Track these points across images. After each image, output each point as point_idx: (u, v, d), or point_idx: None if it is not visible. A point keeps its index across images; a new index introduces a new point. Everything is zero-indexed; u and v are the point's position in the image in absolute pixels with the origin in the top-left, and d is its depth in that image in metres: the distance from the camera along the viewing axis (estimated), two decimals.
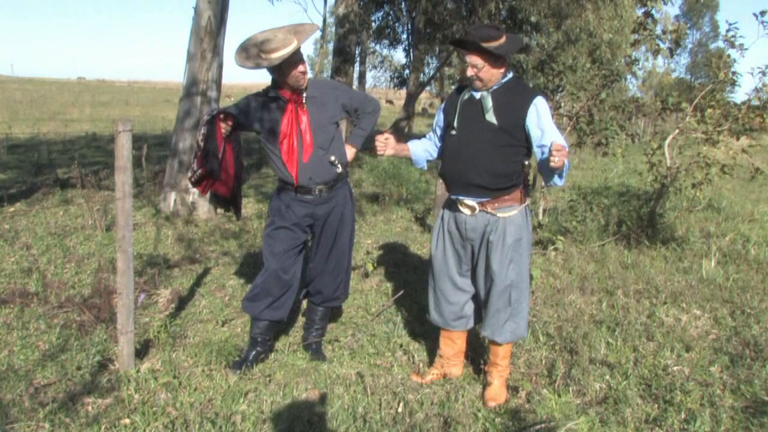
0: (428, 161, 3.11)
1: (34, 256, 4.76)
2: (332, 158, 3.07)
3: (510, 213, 2.75)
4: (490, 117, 2.69)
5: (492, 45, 2.59)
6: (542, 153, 2.67)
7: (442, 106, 2.98)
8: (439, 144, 3.01)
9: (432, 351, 3.40)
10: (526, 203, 2.84)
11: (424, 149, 3.05)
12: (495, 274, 2.77)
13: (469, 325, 3.03)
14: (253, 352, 3.22)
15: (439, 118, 2.97)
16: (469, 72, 2.67)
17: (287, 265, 3.12)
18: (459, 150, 2.77)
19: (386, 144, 2.83)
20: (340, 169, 3.10)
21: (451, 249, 2.90)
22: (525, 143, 2.72)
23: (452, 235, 2.89)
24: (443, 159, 2.89)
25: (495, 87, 2.71)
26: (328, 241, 3.19)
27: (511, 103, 2.67)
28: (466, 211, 2.78)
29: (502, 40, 2.63)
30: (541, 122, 2.65)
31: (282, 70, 2.86)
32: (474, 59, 2.63)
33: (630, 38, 11.40)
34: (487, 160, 2.69)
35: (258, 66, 2.84)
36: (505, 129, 2.67)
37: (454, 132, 2.79)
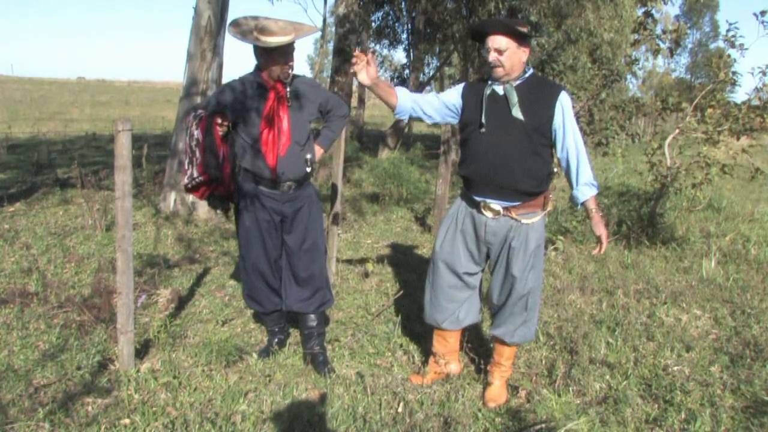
0: (411, 117, 2.87)
1: (34, 256, 4.75)
2: (308, 156, 3.05)
3: (533, 219, 2.70)
4: (517, 112, 2.60)
5: (516, 27, 2.56)
6: (562, 152, 2.65)
7: (461, 90, 2.81)
8: (443, 110, 2.83)
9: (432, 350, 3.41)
10: (548, 209, 2.78)
11: (413, 101, 2.80)
12: (516, 281, 2.72)
13: (461, 324, 2.99)
14: (275, 340, 3.40)
15: (456, 100, 2.80)
16: (492, 57, 2.57)
17: (264, 257, 3.10)
18: (489, 151, 2.65)
19: (363, 62, 2.54)
20: (310, 169, 3.08)
21: (463, 247, 2.82)
22: (551, 143, 2.68)
23: (466, 234, 2.81)
24: (468, 159, 2.75)
25: (518, 82, 2.63)
26: (299, 239, 3.12)
27: (537, 98, 2.61)
28: (489, 214, 2.70)
29: (526, 28, 2.59)
30: (566, 122, 2.61)
31: (273, 57, 2.84)
32: (499, 40, 2.54)
33: (630, 38, 11.39)
34: (521, 161, 2.61)
35: (252, 42, 2.80)
36: (534, 127, 2.60)
37: (483, 130, 2.67)
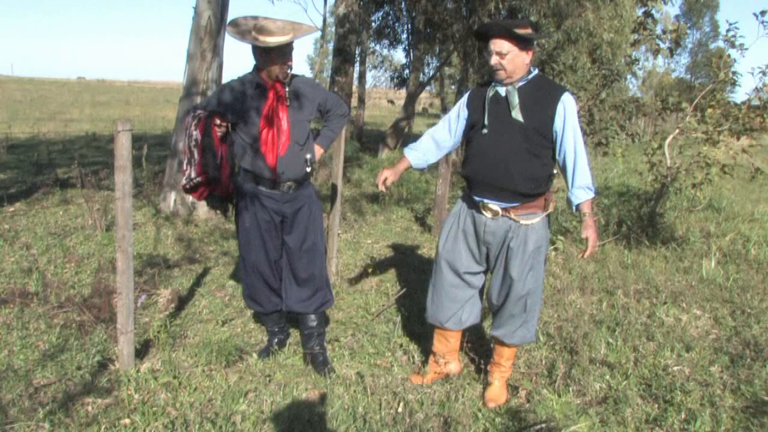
0: (430, 163, 2.98)
1: (34, 256, 4.76)
2: (308, 156, 3.04)
3: (533, 220, 2.69)
4: (516, 114, 2.60)
5: (519, 31, 2.53)
6: (560, 154, 2.64)
7: (465, 100, 2.84)
8: (454, 137, 2.88)
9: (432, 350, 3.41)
10: (549, 211, 2.77)
11: (422, 153, 2.92)
12: (514, 282, 2.72)
13: (464, 325, 2.99)
14: (275, 340, 3.40)
15: (462, 112, 2.83)
16: (494, 60, 2.57)
17: (264, 257, 3.10)
18: (488, 152, 2.67)
19: (385, 181, 2.82)
20: (310, 168, 3.08)
21: (464, 246, 2.83)
22: (553, 145, 2.66)
23: (467, 234, 2.82)
24: (469, 159, 2.77)
25: (521, 83, 2.62)
26: (299, 239, 3.11)
27: (539, 100, 2.59)
28: (488, 214, 2.71)
29: (528, 29, 2.58)
30: (566, 124, 2.58)
31: (272, 57, 2.84)
32: (500, 44, 2.54)
33: (630, 38, 11.40)
34: (520, 164, 2.61)
35: (251, 42, 2.81)
36: (534, 128, 2.59)
37: (485, 131, 2.68)
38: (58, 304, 3.77)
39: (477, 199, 2.75)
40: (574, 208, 2.70)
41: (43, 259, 4.71)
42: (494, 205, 2.69)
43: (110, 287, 3.89)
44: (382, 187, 2.83)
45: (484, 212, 2.73)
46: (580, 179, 2.62)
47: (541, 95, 2.61)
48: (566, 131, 2.59)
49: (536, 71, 2.70)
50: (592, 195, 2.64)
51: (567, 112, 2.58)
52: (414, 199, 7.99)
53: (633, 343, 3.54)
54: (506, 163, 2.63)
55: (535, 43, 2.81)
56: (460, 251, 2.84)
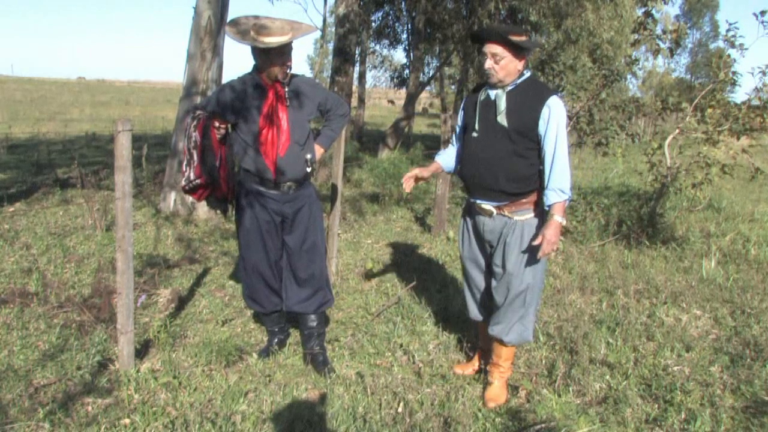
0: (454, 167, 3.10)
1: (34, 256, 4.76)
2: (308, 156, 3.05)
3: (526, 216, 2.74)
4: (502, 119, 2.66)
5: (515, 38, 2.56)
6: (542, 155, 2.67)
7: (462, 105, 2.95)
8: (458, 146, 3.00)
9: (432, 350, 3.41)
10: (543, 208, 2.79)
11: (450, 156, 3.05)
12: (512, 277, 2.76)
13: None
14: (275, 340, 3.40)
15: (460, 119, 2.95)
16: (488, 63, 2.63)
17: (265, 258, 3.10)
18: (477, 154, 2.75)
19: (410, 180, 3.02)
20: (310, 168, 3.08)
21: (478, 244, 2.92)
22: (539, 145, 2.69)
23: (474, 234, 2.92)
24: (463, 161, 2.87)
25: (510, 87, 2.67)
26: (299, 240, 3.11)
27: (525, 104, 2.64)
28: (484, 214, 2.79)
29: (524, 37, 2.61)
30: (549, 126, 2.61)
31: (271, 58, 2.84)
32: (495, 48, 2.58)
33: (630, 38, 11.41)
34: (505, 165, 2.67)
35: (250, 43, 2.81)
36: (518, 132, 2.64)
37: (475, 134, 2.77)
38: (58, 304, 3.77)
39: (472, 200, 2.85)
40: (546, 207, 2.73)
41: (43, 259, 4.71)
42: (487, 205, 2.77)
43: (110, 287, 3.90)
44: (408, 185, 3.01)
45: (480, 212, 2.80)
46: (555, 181, 2.64)
47: (528, 99, 2.65)
48: (548, 133, 2.63)
49: (528, 74, 2.73)
50: (564, 198, 2.64)
51: (551, 116, 2.61)
52: (414, 199, 7.99)
53: (633, 343, 3.54)
54: (493, 164, 2.70)
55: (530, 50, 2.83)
56: (476, 250, 2.94)
